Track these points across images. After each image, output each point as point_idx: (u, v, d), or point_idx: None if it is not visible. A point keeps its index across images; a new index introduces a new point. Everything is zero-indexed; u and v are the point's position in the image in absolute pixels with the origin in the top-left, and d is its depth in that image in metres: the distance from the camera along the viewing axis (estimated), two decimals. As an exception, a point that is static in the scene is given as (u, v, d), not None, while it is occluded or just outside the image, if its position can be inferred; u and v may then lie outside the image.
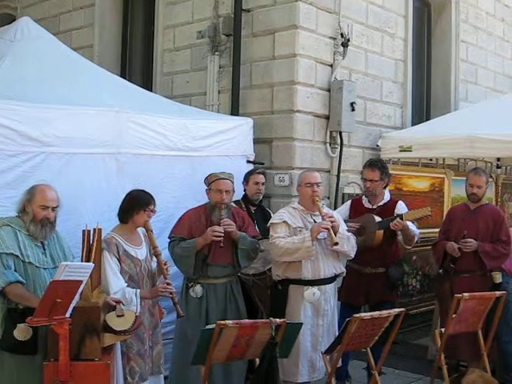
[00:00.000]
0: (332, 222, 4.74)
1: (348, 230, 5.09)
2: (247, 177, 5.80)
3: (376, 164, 5.63)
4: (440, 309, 5.97)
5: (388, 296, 5.57)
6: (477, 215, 5.62)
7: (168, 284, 4.36)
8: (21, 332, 3.72)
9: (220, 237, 4.75)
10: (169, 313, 4.99)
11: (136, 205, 4.39)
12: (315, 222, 4.84)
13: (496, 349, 5.48)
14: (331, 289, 4.95)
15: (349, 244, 4.92)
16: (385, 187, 5.69)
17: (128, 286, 4.23)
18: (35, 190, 3.99)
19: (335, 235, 4.71)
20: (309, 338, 4.79)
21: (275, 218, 4.94)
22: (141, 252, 4.46)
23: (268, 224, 5.01)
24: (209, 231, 4.78)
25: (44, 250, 3.97)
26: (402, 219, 5.24)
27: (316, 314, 4.83)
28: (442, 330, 4.84)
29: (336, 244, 4.69)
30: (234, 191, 5.05)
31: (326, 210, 5.01)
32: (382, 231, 5.37)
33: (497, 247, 5.50)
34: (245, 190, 5.80)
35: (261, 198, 5.83)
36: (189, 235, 4.87)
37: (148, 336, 4.41)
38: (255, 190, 5.73)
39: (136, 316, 3.91)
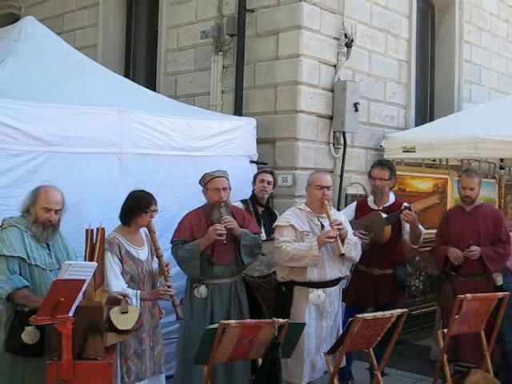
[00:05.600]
0: (340, 229, 4.69)
1: (354, 234, 5.08)
2: (256, 176, 5.84)
3: (386, 164, 5.68)
4: (442, 310, 5.96)
5: (396, 297, 5.57)
6: (475, 216, 5.62)
7: (168, 287, 4.35)
8: (29, 335, 3.72)
9: (222, 234, 4.73)
10: (170, 313, 4.99)
11: (138, 207, 4.37)
12: (322, 224, 4.81)
13: (498, 350, 5.46)
14: (335, 291, 4.93)
15: (356, 250, 4.89)
16: (391, 189, 5.69)
17: (129, 286, 4.23)
18: (39, 192, 3.94)
19: (343, 242, 4.70)
20: (314, 339, 4.76)
21: (281, 221, 4.86)
22: (142, 253, 4.45)
23: (273, 225, 4.97)
24: (210, 230, 4.74)
25: (49, 251, 3.96)
26: (410, 211, 5.25)
27: (320, 316, 4.81)
28: (445, 330, 4.83)
29: (342, 255, 4.67)
30: (230, 189, 5.00)
31: (333, 212, 4.96)
32: (390, 226, 5.36)
33: (498, 249, 5.50)
34: (253, 191, 5.81)
35: (266, 196, 5.82)
36: (191, 237, 4.83)
37: (148, 336, 4.39)
38: (260, 188, 5.75)
39: (139, 313, 3.90)
